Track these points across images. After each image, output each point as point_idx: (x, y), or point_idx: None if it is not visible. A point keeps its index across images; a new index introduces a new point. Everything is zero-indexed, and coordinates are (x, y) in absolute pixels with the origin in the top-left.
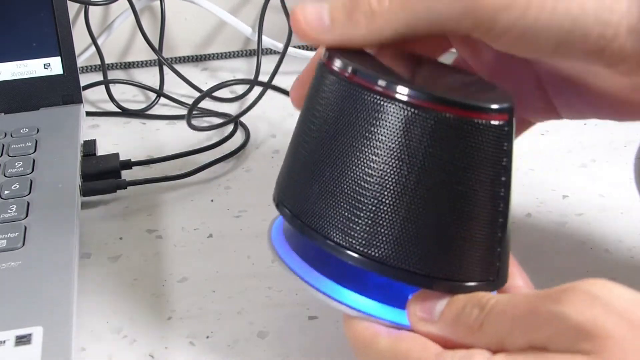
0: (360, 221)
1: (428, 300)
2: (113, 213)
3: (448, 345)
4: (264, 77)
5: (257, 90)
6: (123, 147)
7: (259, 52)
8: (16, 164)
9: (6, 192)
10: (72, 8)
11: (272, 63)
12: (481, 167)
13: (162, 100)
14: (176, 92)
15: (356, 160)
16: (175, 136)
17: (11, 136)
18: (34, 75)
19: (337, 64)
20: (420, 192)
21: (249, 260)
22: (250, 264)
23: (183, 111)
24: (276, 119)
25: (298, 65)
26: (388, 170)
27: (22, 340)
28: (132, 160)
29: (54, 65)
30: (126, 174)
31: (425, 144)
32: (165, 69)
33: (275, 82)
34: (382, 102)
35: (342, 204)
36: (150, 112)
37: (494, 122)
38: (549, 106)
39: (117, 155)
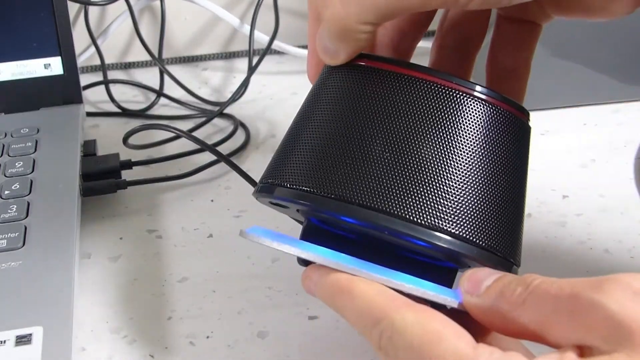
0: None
1: (477, 275)
2: (113, 213)
3: (488, 323)
4: (260, 77)
5: (252, 90)
6: (123, 147)
7: (250, 52)
8: (16, 164)
9: (6, 192)
10: (72, 8)
11: (272, 63)
12: (526, 157)
13: (162, 100)
14: (176, 92)
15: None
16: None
17: (11, 136)
18: (34, 75)
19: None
20: (498, 176)
21: (249, 260)
22: (250, 264)
23: (183, 111)
24: (276, 119)
25: (299, 64)
26: (478, 166)
27: (22, 340)
28: (132, 160)
29: (54, 66)
30: (126, 174)
31: (508, 141)
32: (167, 67)
33: (269, 85)
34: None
35: (426, 182)
36: (150, 112)
37: (529, 124)
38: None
39: (117, 155)
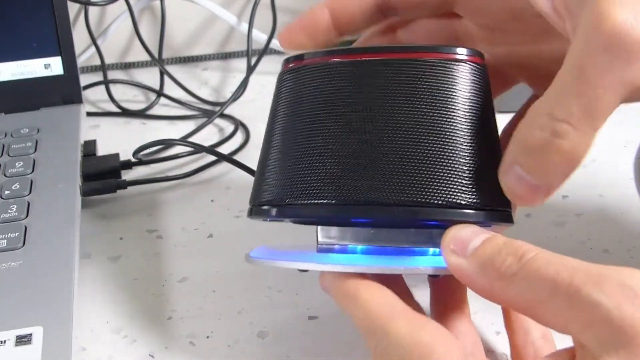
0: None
1: (464, 234)
2: (113, 213)
3: (474, 287)
4: (259, 77)
5: (252, 90)
6: (123, 147)
7: (249, 52)
8: (16, 164)
9: (6, 192)
10: (72, 8)
11: (271, 62)
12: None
13: (162, 100)
14: (176, 92)
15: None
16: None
17: (11, 136)
18: (34, 75)
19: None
20: (458, 129)
21: None
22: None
23: (183, 111)
24: None
25: None
26: (437, 122)
27: (23, 340)
28: (133, 160)
29: (54, 66)
30: (126, 174)
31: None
32: (167, 67)
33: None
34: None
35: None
36: (150, 112)
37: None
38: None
39: (117, 155)
